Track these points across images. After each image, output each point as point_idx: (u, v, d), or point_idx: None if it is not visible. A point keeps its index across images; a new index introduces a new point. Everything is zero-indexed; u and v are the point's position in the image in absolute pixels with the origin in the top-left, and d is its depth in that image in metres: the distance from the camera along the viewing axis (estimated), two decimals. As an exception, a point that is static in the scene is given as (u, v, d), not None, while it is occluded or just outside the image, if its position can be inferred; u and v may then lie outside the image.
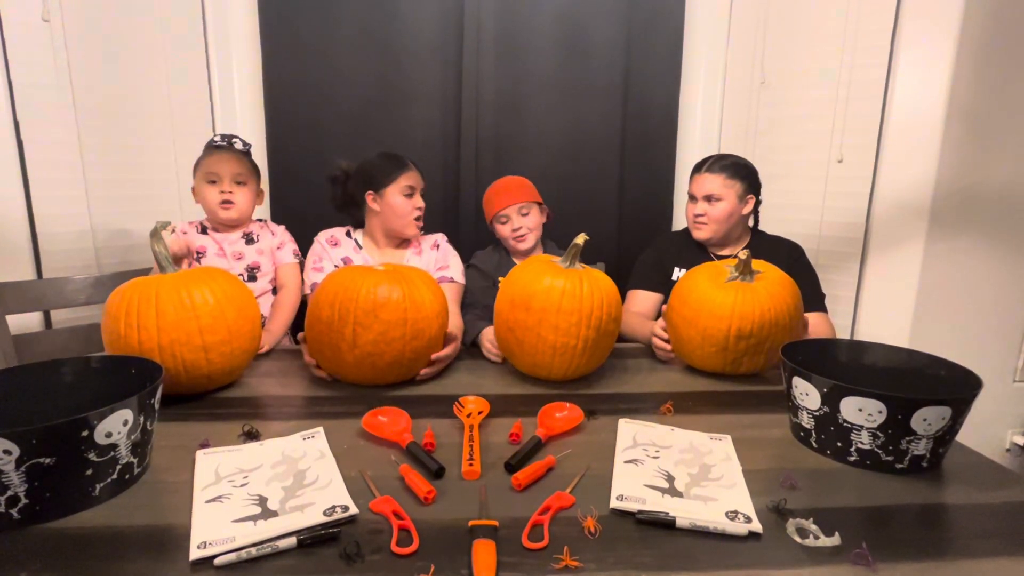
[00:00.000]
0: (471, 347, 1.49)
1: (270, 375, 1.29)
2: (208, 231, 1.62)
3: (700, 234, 1.63)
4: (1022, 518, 0.78)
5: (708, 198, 1.59)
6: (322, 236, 1.68)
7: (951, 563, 0.69)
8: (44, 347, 1.52)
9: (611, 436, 0.99)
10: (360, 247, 1.67)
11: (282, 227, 1.69)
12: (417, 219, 1.64)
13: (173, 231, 1.55)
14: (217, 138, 1.59)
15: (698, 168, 1.64)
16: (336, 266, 1.62)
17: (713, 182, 1.58)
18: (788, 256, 1.60)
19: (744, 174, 1.60)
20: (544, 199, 1.78)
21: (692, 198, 1.64)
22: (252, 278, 1.62)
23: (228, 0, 1.90)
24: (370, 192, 1.61)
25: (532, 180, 1.85)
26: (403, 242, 1.70)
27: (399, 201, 1.59)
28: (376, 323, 1.13)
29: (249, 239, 1.62)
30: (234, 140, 1.60)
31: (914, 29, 1.68)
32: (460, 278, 1.67)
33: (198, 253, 1.59)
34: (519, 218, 1.72)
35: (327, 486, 0.82)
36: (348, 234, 1.69)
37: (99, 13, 1.68)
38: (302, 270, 1.66)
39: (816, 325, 1.49)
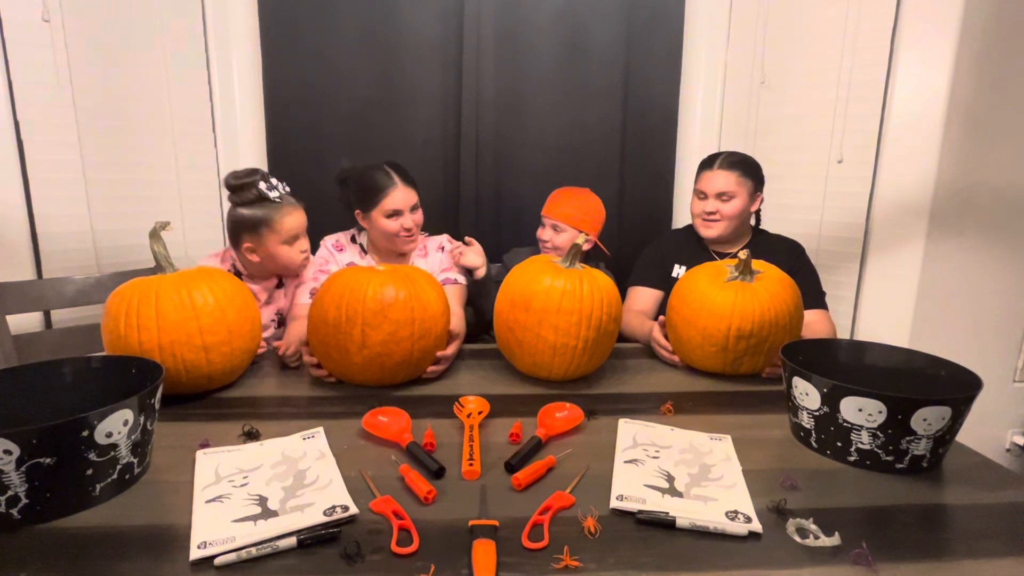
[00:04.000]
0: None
1: (270, 375, 1.29)
2: (243, 278, 1.52)
3: (710, 232, 1.61)
4: (1022, 518, 0.78)
5: (720, 195, 1.58)
6: (328, 240, 1.68)
7: (951, 563, 0.69)
8: (44, 347, 1.52)
9: (611, 436, 0.99)
10: (365, 252, 1.67)
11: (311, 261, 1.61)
12: (410, 235, 1.59)
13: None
14: (275, 187, 1.45)
15: (708, 165, 1.62)
16: None
17: (726, 179, 1.57)
18: (789, 254, 1.60)
19: (753, 172, 1.61)
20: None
21: (701, 195, 1.62)
22: (280, 323, 1.57)
23: (228, 0, 1.90)
24: (358, 211, 1.60)
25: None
26: None
27: (384, 223, 1.56)
28: (385, 323, 1.13)
29: (280, 283, 1.57)
30: (286, 189, 1.49)
31: (914, 29, 1.68)
32: (463, 279, 1.67)
33: None
34: (549, 230, 1.74)
35: (327, 486, 0.82)
36: (353, 239, 1.69)
37: (99, 13, 1.68)
38: None
39: (816, 323, 1.49)
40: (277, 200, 1.44)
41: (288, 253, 1.47)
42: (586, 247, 1.76)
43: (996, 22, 1.61)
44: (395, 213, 1.55)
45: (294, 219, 1.46)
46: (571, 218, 1.73)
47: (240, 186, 1.43)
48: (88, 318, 1.66)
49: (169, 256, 1.16)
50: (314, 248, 1.67)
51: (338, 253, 1.66)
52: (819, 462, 0.92)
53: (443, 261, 1.67)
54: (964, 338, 1.79)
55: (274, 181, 1.46)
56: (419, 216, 1.60)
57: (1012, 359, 1.85)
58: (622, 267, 1.96)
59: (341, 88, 1.98)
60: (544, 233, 1.76)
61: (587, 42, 2.05)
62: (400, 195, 1.55)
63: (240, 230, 1.46)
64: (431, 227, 1.78)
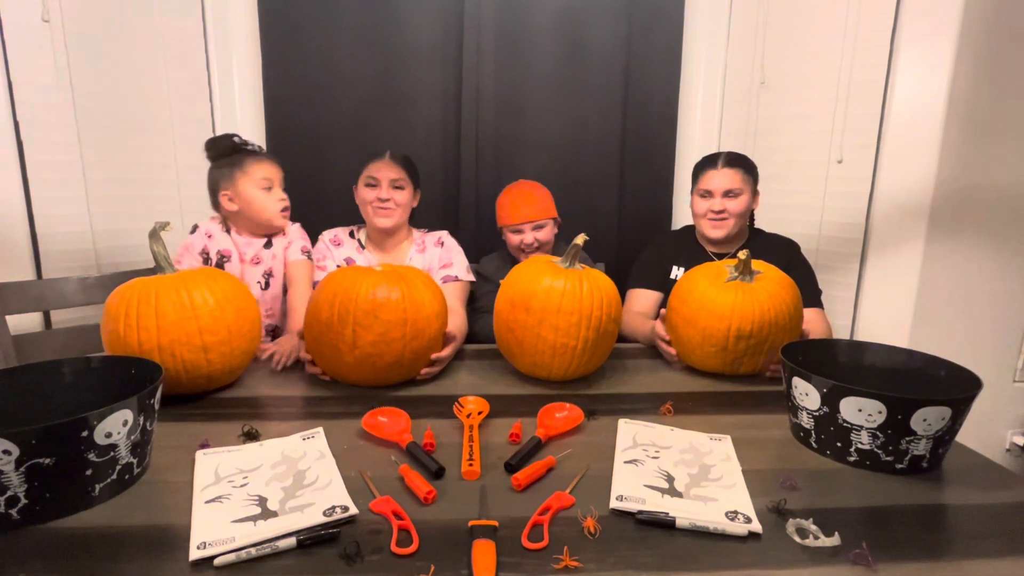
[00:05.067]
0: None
1: (270, 375, 1.29)
2: (231, 232, 1.58)
3: (718, 232, 1.59)
4: (1022, 518, 0.78)
5: (728, 193, 1.57)
6: (326, 235, 1.69)
7: (951, 563, 0.69)
8: (44, 347, 1.52)
9: (611, 436, 0.99)
10: (363, 247, 1.67)
11: (296, 226, 1.65)
12: (383, 206, 1.59)
13: (196, 228, 1.57)
14: (250, 143, 1.55)
15: (711, 164, 1.61)
16: (339, 266, 1.63)
17: (733, 177, 1.57)
18: (785, 253, 1.60)
19: (753, 170, 1.62)
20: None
21: (707, 194, 1.60)
22: (267, 285, 1.58)
23: (228, 0, 1.90)
24: (355, 186, 1.64)
25: (532, 179, 1.85)
26: (405, 240, 1.70)
27: (363, 191, 1.62)
28: (376, 323, 1.13)
29: (268, 242, 1.60)
30: (262, 148, 1.59)
31: (914, 29, 1.68)
32: (465, 275, 1.66)
33: (222, 256, 1.55)
34: (531, 232, 1.74)
35: (327, 486, 0.82)
36: (351, 234, 1.69)
37: (99, 13, 1.69)
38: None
39: (812, 322, 1.49)
40: (250, 149, 1.54)
41: (263, 198, 1.52)
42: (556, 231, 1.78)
43: (996, 22, 1.61)
44: (373, 181, 1.59)
45: (267, 167, 1.53)
46: (546, 211, 1.75)
47: (215, 142, 1.54)
48: (88, 318, 1.66)
49: (169, 256, 1.16)
50: (313, 242, 1.68)
51: (335, 248, 1.66)
52: (819, 462, 0.92)
53: (442, 257, 1.67)
54: (964, 338, 1.79)
55: (250, 142, 1.56)
56: (400, 196, 1.60)
57: (1012, 359, 1.85)
58: (621, 268, 1.96)
59: (341, 87, 1.98)
60: (526, 237, 1.73)
61: (587, 42, 2.05)
62: (383, 166, 1.60)
63: (217, 180, 1.53)
64: (431, 226, 1.78)
